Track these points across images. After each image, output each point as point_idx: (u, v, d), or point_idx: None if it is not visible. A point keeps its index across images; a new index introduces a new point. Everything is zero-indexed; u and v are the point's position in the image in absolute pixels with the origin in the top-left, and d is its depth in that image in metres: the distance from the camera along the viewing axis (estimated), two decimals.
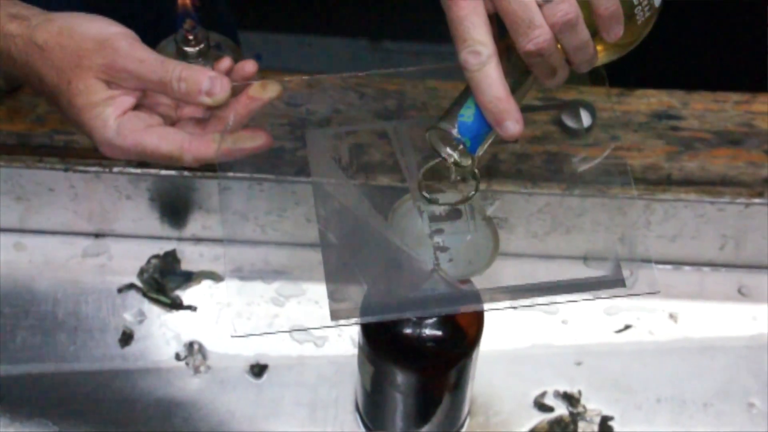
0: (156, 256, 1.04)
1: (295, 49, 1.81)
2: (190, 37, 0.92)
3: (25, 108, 1.01)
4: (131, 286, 1.03)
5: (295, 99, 0.94)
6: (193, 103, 0.77)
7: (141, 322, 1.02)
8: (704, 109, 1.02)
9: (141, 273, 1.03)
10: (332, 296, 0.75)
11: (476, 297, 0.77)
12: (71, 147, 0.99)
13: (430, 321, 0.84)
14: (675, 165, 0.99)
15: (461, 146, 0.73)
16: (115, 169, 0.98)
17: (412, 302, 0.75)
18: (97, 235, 1.05)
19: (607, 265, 0.80)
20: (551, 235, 1.03)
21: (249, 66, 0.79)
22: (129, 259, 1.04)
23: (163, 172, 0.98)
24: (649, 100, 1.03)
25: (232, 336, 0.75)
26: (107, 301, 1.03)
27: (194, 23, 0.91)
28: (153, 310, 1.02)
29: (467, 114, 0.72)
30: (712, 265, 1.05)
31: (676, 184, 0.98)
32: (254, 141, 0.78)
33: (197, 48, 0.92)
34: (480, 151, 0.74)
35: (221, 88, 0.76)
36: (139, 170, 0.98)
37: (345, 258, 0.77)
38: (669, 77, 1.13)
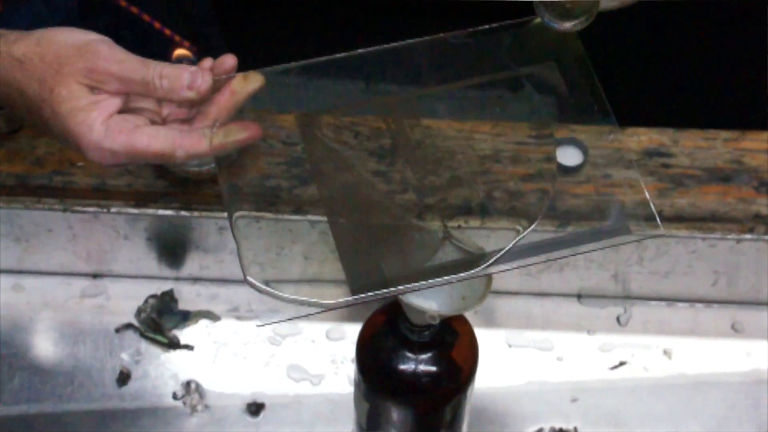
0: (153, 296, 1.05)
1: (292, 92, 1.82)
2: None
3: (25, 150, 1.02)
4: (129, 326, 1.04)
5: (291, 137, 0.95)
6: (177, 99, 0.77)
7: (138, 361, 1.02)
8: (694, 146, 1.04)
9: (138, 313, 1.04)
10: (348, 273, 0.75)
11: (490, 260, 0.77)
12: (70, 188, 1.00)
13: (425, 356, 0.85)
14: (666, 202, 1.00)
15: None
16: (113, 210, 0.99)
17: (428, 272, 0.76)
18: (95, 276, 1.06)
19: (611, 216, 0.81)
20: (545, 272, 1.04)
21: (229, 60, 0.80)
22: (126, 299, 1.05)
23: (161, 212, 0.99)
24: (639, 138, 1.04)
25: (257, 326, 0.75)
26: (105, 341, 1.03)
27: (190, 64, 0.92)
28: (150, 350, 1.03)
29: None
30: (705, 301, 1.05)
31: (668, 221, 0.99)
32: (245, 132, 0.79)
33: None
34: None
35: (203, 80, 0.77)
36: (136, 210, 0.99)
37: (355, 236, 0.78)
38: (658, 115, 1.14)
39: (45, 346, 1.03)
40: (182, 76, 0.76)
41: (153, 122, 0.79)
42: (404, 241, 0.78)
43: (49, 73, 0.76)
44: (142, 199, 0.99)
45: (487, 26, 0.83)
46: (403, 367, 0.84)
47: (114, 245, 1.03)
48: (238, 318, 1.04)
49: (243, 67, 0.82)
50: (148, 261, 1.04)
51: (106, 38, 0.78)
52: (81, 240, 1.02)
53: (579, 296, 1.06)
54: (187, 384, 1.01)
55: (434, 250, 0.78)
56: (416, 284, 0.75)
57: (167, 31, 1.03)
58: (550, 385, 1.02)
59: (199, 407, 1.00)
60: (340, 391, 1.00)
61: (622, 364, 1.03)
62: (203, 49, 0.97)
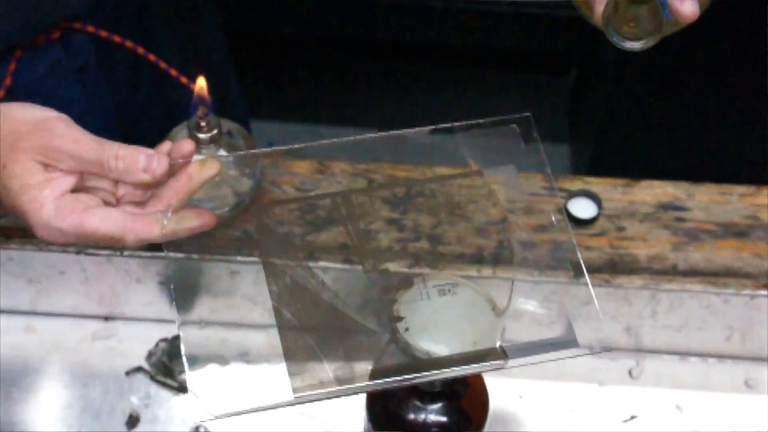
0: (164, 340, 1.05)
1: (307, 138, 1.84)
2: (203, 124, 0.93)
3: None
4: (139, 369, 1.04)
5: (305, 185, 0.95)
6: (131, 181, 0.76)
7: (148, 405, 1.02)
8: (709, 201, 1.04)
9: (149, 356, 1.04)
10: (292, 373, 0.74)
11: (433, 365, 0.76)
12: None
13: (435, 406, 0.84)
14: (680, 255, 1.00)
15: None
16: (126, 253, 1.00)
17: (372, 374, 0.75)
18: (107, 318, 1.06)
19: (559, 326, 0.80)
20: (557, 323, 1.03)
21: (187, 145, 0.78)
22: (137, 342, 1.05)
23: (171, 254, 0.99)
24: (654, 191, 1.04)
25: (215, 416, 0.74)
26: (115, 384, 1.03)
27: (207, 110, 0.92)
28: (160, 394, 1.03)
29: None
30: (719, 356, 1.05)
31: (682, 275, 0.99)
32: (198, 220, 0.77)
33: (209, 134, 0.93)
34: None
35: (159, 164, 0.75)
36: (149, 254, 1.00)
37: (302, 333, 0.77)
38: (674, 169, 1.14)
39: (55, 388, 1.03)
40: (138, 158, 0.75)
41: (107, 202, 0.77)
42: (349, 344, 0.78)
43: (4, 148, 0.75)
44: (154, 243, 0.99)
45: (449, 125, 0.83)
46: (413, 416, 0.84)
47: (126, 288, 1.03)
48: (247, 362, 1.04)
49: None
50: (160, 304, 1.04)
51: (63, 116, 0.77)
52: (93, 282, 1.02)
53: (590, 348, 1.05)
54: (196, 429, 1.01)
55: (379, 352, 0.77)
56: (356, 386, 0.75)
57: (183, 79, 1.03)
58: None
59: None
60: None
61: (633, 417, 1.02)
62: (220, 96, 0.97)
